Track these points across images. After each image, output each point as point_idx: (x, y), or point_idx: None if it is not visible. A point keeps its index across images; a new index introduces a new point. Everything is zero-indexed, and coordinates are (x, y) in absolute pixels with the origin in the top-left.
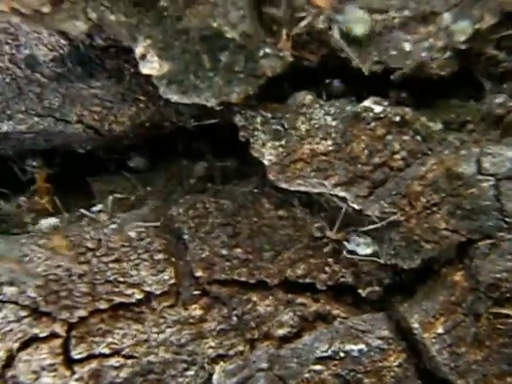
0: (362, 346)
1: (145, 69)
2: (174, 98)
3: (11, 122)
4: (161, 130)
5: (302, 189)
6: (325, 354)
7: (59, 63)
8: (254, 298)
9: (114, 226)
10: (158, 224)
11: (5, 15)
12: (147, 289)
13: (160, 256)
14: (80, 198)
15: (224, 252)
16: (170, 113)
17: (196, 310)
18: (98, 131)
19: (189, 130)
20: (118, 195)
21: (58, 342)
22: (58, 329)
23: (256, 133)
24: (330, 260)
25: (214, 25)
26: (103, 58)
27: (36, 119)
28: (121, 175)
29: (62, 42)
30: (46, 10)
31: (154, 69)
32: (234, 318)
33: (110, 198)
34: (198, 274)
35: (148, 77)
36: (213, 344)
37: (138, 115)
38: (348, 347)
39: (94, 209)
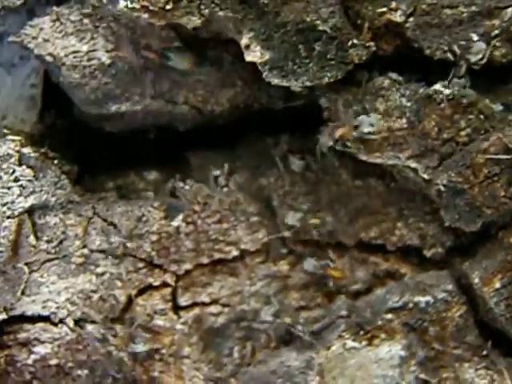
0: (428, 298)
1: (249, 57)
2: (276, 81)
3: (128, 104)
4: (251, 110)
5: (379, 161)
6: (396, 305)
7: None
8: (333, 257)
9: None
10: None
11: (135, 11)
12: (243, 246)
13: (255, 218)
14: (176, 170)
15: (308, 217)
16: (261, 95)
17: (283, 266)
18: (201, 111)
19: (275, 111)
20: (212, 167)
21: (168, 290)
22: (169, 279)
23: (338, 113)
24: (398, 224)
25: (308, 19)
26: (206, 48)
27: (149, 101)
28: (213, 151)
29: (171, 34)
30: (168, 7)
31: (257, 57)
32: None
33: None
34: (286, 234)
35: (245, 64)
36: (296, 296)
37: (235, 98)
38: (416, 299)
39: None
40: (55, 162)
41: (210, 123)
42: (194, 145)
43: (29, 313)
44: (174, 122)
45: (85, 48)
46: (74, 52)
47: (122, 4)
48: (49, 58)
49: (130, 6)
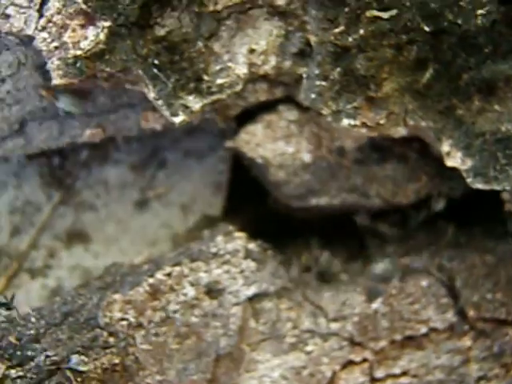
0: None
1: (449, 162)
2: (479, 186)
3: (327, 198)
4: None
5: None
6: None
7: (361, 151)
8: (511, 332)
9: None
10: None
11: (356, 127)
12: (432, 325)
13: (444, 300)
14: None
15: (488, 296)
16: (443, 187)
17: (466, 341)
18: (389, 203)
19: (452, 199)
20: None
21: (366, 365)
22: (367, 355)
23: None
24: None
25: (503, 129)
26: (393, 146)
27: (345, 195)
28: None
29: (363, 136)
30: (382, 122)
31: (458, 163)
32: (495, 348)
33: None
34: (470, 313)
35: (428, 160)
36: (476, 367)
37: (420, 190)
38: None
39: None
40: (270, 252)
41: (391, 211)
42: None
43: None
44: (358, 210)
45: (291, 150)
46: (282, 154)
47: (345, 122)
48: (259, 160)
49: (352, 123)
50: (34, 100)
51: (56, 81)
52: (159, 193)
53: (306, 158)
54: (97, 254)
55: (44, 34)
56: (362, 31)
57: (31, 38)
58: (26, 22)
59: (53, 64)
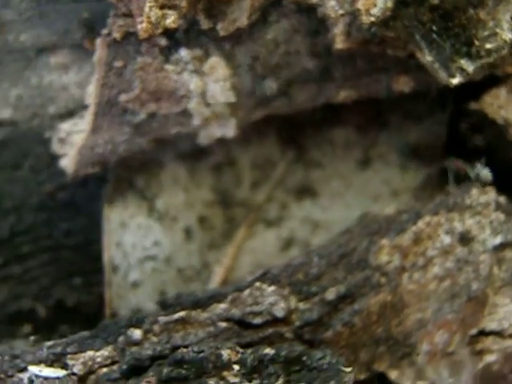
0: None
1: None
2: None
3: None
4: None
5: None
6: None
7: None
8: None
9: None
10: None
11: None
12: None
13: None
14: None
15: None
16: None
17: None
18: None
19: None
20: None
21: None
22: None
23: None
24: None
25: None
26: None
27: None
28: None
29: None
30: None
31: None
32: None
33: None
34: None
35: None
36: None
37: None
38: None
39: None
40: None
41: None
42: None
43: (487, 329)
44: None
45: None
46: None
47: None
48: (500, 121)
49: None
50: (301, 63)
51: (339, 45)
52: (381, 152)
53: None
54: (324, 208)
55: (332, 2)
56: None
57: (311, 7)
58: None
59: (338, 30)
